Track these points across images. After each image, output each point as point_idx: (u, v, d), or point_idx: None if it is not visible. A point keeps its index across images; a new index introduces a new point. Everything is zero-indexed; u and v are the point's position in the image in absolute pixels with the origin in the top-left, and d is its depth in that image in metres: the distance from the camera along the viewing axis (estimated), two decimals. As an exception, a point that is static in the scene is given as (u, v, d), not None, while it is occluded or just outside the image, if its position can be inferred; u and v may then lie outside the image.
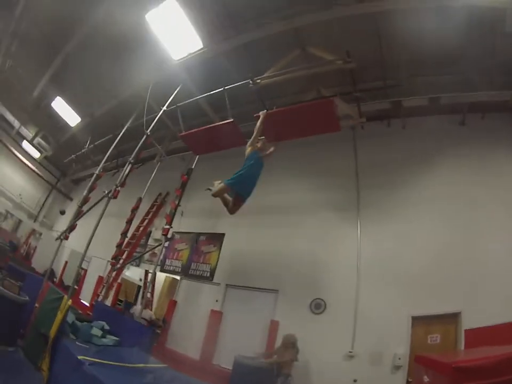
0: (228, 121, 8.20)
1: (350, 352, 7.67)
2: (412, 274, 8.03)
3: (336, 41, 8.08)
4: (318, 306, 8.62)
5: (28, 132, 16.62)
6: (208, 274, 10.54)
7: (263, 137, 7.17)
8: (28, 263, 14.59)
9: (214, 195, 6.01)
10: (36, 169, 18.17)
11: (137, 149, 9.27)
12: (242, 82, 8.08)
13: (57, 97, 12.80)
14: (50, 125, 15.33)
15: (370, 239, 8.88)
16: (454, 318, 7.55)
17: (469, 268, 7.58)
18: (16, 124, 16.03)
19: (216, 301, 9.95)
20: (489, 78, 8.06)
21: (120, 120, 11.14)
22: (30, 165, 17.76)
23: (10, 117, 15.84)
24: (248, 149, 6.46)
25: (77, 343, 6.15)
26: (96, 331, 7.03)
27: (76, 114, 13.40)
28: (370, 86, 8.96)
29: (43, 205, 19.54)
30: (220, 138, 8.67)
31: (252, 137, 6.47)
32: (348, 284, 8.55)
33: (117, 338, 7.16)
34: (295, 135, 8.14)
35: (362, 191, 9.52)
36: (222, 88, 8.29)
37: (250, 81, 7.94)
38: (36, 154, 17.44)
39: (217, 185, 5.98)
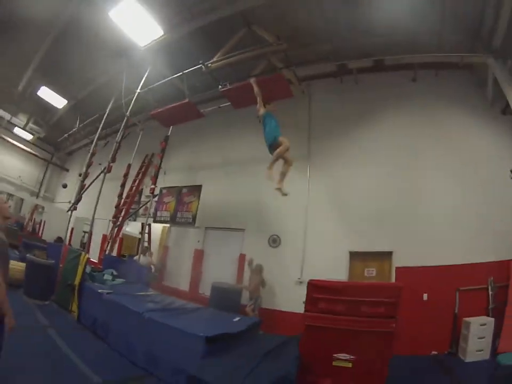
0: (184, 101, 9.88)
1: (299, 279, 9.38)
2: (353, 216, 9.54)
3: (282, 14, 9.11)
4: (274, 241, 10.52)
5: (19, 121, 17.99)
6: (191, 220, 12.39)
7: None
8: (37, 236, 16.43)
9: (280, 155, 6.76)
10: (30, 150, 19.67)
11: (121, 130, 11.03)
12: (195, 67, 9.49)
13: (42, 86, 14.23)
14: (39, 110, 16.83)
15: (318, 184, 10.39)
16: (388, 256, 8.93)
17: (405, 212, 8.90)
18: (6, 115, 17.28)
19: (198, 241, 12.00)
20: (440, 39, 8.84)
21: (104, 98, 12.72)
22: (24, 147, 19.22)
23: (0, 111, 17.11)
24: (261, 110, 7.38)
25: (95, 284, 8.33)
26: (107, 276, 9.29)
27: (61, 98, 14.93)
28: (317, 49, 10.11)
29: (42, 181, 21.22)
30: (181, 114, 10.41)
31: (258, 101, 7.42)
32: (298, 223, 10.18)
33: (124, 280, 9.37)
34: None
35: (314, 142, 10.86)
36: (181, 73, 9.81)
37: (203, 66, 9.31)
38: (29, 136, 18.88)
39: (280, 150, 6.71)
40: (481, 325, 7.20)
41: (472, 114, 9.19)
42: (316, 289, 5.05)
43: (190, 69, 9.75)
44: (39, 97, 14.93)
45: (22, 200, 19.33)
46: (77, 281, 8.08)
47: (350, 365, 4.44)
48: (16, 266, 8.79)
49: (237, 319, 6.74)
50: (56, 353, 5.36)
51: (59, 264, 9.10)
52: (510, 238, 7.65)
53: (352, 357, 4.46)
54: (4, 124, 17.76)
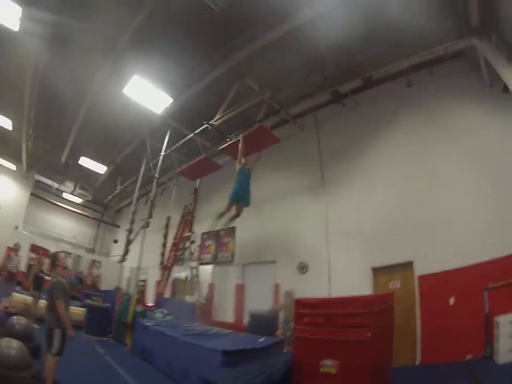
0: (201, 157, 11.66)
1: (328, 298, 9.93)
2: (370, 234, 10.06)
3: (271, 64, 10.39)
4: (303, 268, 11.50)
5: (67, 188, 20.73)
6: (230, 259, 14.24)
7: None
8: (95, 288, 18.10)
9: (224, 212, 8.59)
10: (82, 212, 22.84)
11: (153, 190, 13.03)
12: (201, 128, 11.29)
13: (81, 156, 16.44)
14: (83, 176, 19.30)
15: (334, 209, 11.22)
16: (410, 266, 9.16)
17: (421, 220, 9.17)
18: (55, 184, 20.24)
19: (238, 277, 13.48)
20: (421, 38, 8.89)
21: (139, 159, 14.86)
22: (75, 210, 22.42)
23: (49, 181, 20.25)
24: (238, 166, 8.85)
25: (145, 320, 10.15)
26: (158, 315, 10.94)
27: (101, 164, 17.12)
28: (310, 83, 11.03)
29: (96, 237, 24.19)
30: (202, 168, 12.17)
31: (238, 156, 8.81)
32: (321, 247, 11.05)
33: (173, 317, 11.00)
34: (254, 151, 10.27)
35: (326, 170, 11.75)
36: (192, 134, 11.73)
37: (208, 126, 10.97)
38: (79, 200, 21.77)
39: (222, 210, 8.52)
40: (511, 323, 6.78)
41: (474, 102, 9.21)
42: (300, 305, 6.04)
43: (198, 130, 11.60)
44: (81, 165, 17.25)
45: (79, 257, 21.40)
46: (129, 318, 10.17)
47: (334, 371, 5.18)
48: (77, 311, 11.08)
49: (262, 339, 7.99)
50: (110, 372, 7.30)
51: (115, 307, 11.36)
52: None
53: (336, 363, 5.18)
54: (53, 191, 20.74)
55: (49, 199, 21.28)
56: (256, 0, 8.42)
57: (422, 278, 8.87)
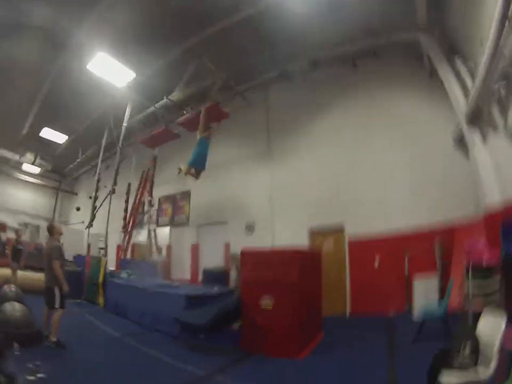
0: (161, 129, 13.27)
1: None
2: (309, 199, 11.68)
3: (228, 43, 11.40)
4: (249, 228, 13.42)
5: (27, 159, 21.12)
6: (186, 221, 16.01)
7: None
8: None
9: (185, 174, 9.58)
10: (40, 182, 23.64)
11: (117, 160, 14.52)
12: (163, 101, 12.77)
13: (44, 127, 17.20)
14: (44, 147, 19.93)
15: (279, 176, 12.96)
16: (341, 229, 10.97)
17: (353, 192, 10.77)
18: (16, 156, 20.44)
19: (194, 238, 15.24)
20: (369, 24, 10.12)
21: (100, 129, 16.21)
22: (34, 180, 23.21)
23: (8, 154, 20.30)
24: (198, 136, 9.60)
25: (114, 279, 11.83)
26: (124, 275, 12.51)
27: (62, 134, 18.00)
28: (260, 58, 12.21)
29: (55, 207, 25.09)
30: (161, 137, 13.81)
31: (199, 127, 9.73)
32: (266, 211, 12.84)
33: (137, 275, 12.53)
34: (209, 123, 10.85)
35: (273, 141, 13.42)
36: (153, 107, 13.23)
37: (168, 100, 12.51)
38: (37, 170, 22.22)
39: (183, 168, 9.34)
40: (425, 285, 8.66)
41: (413, 89, 10.51)
42: (245, 255, 7.69)
43: (159, 103, 13.06)
44: (42, 136, 17.94)
45: (38, 227, 21.42)
46: (100, 280, 11.73)
47: (271, 307, 6.74)
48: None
49: (216, 288, 9.69)
50: (91, 324, 9.11)
51: (85, 270, 12.90)
52: (446, 201, 9.16)
53: (272, 301, 6.74)
54: (13, 164, 21.33)
55: (8, 172, 21.90)
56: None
57: (351, 243, 10.79)
